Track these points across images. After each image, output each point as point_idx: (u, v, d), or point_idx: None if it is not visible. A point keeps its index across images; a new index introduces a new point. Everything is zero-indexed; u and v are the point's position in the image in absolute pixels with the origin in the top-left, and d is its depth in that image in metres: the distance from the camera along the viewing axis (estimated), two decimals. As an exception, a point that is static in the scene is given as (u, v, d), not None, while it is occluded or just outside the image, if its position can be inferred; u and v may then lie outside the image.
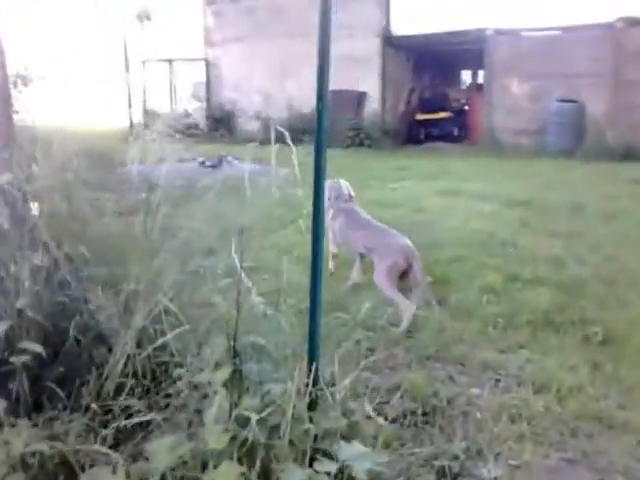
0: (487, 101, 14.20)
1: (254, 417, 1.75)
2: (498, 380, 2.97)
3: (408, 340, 3.36)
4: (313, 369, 1.91)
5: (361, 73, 15.92)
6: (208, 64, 18.98)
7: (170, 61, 19.92)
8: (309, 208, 2.00)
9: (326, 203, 4.30)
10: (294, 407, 1.82)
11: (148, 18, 15.18)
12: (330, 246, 4.28)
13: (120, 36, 18.42)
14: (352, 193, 4.37)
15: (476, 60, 15.50)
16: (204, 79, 19.41)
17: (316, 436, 1.85)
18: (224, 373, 1.82)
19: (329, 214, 4.28)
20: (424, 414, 2.67)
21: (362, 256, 4.13)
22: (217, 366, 1.85)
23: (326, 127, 1.90)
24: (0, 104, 3.15)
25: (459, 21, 14.23)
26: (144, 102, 21.23)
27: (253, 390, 1.90)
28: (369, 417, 1.93)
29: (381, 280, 3.67)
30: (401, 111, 16.36)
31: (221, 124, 18.06)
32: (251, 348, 1.95)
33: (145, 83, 21.23)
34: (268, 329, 2.03)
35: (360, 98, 15.90)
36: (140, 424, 2.14)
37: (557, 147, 11.94)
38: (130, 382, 2.32)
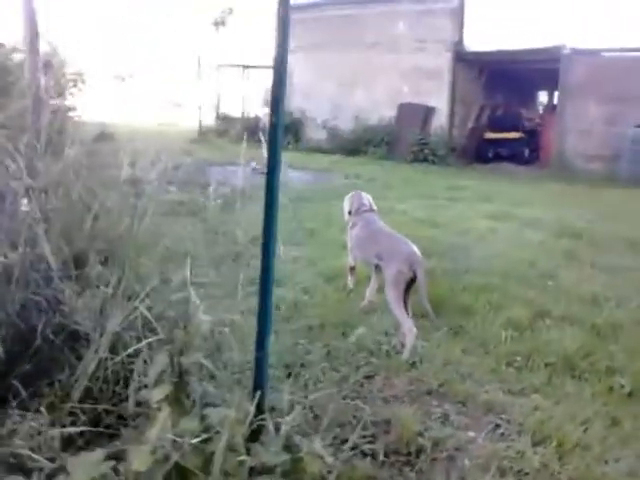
0: (560, 123, 13.57)
1: (187, 441, 1.65)
2: (498, 425, 2.73)
3: (412, 370, 3.17)
4: (257, 396, 1.78)
5: (430, 87, 15.67)
6: (280, 71, 19.20)
7: (244, 67, 20.34)
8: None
9: (346, 215, 4.19)
10: (232, 436, 1.70)
11: (223, 24, 15.56)
12: (348, 258, 4.14)
13: (196, 41, 19.03)
14: (374, 205, 4.24)
15: (552, 80, 14.86)
16: (276, 86, 19.65)
17: (253, 469, 1.72)
18: (163, 391, 1.73)
19: (348, 225, 4.17)
20: (407, 454, 2.48)
21: (377, 269, 3.98)
22: (158, 383, 1.76)
23: (280, 141, 1.77)
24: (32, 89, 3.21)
25: (536, 38, 13.72)
26: (217, 106, 21.81)
27: (195, 412, 1.80)
28: (316, 454, 1.78)
29: (388, 292, 3.49)
30: (470, 128, 15.93)
31: (289, 131, 18.21)
32: (199, 368, 1.85)
33: (219, 87, 21.80)
34: (215, 349, 1.93)
35: (428, 112, 15.63)
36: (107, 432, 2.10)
37: (631, 175, 11.22)
38: (100, 386, 2.28)
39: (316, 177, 10.06)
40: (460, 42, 15.13)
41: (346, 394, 2.89)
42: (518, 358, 3.34)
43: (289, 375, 2.96)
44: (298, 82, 18.64)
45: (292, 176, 10.01)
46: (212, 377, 1.91)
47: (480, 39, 14.78)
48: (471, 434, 2.67)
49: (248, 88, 21.26)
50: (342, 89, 17.34)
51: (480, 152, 15.99)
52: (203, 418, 1.78)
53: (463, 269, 4.79)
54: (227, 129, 19.57)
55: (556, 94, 16.50)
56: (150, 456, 1.62)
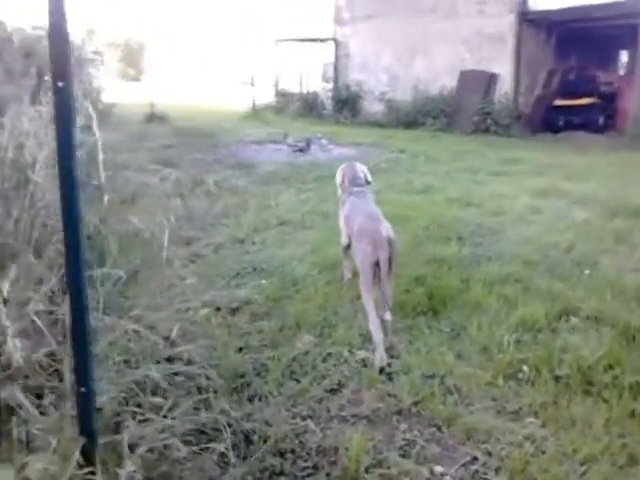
0: (637, 86, 12.16)
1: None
2: (475, 459, 2.21)
3: (388, 382, 2.68)
4: (83, 442, 1.38)
5: (493, 53, 14.52)
6: (337, 44, 18.54)
7: (302, 41, 19.80)
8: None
9: (338, 190, 3.72)
10: None
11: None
12: (342, 238, 3.65)
13: (252, 15, 18.64)
14: (369, 178, 3.71)
15: (636, 37, 13.32)
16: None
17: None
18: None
19: (340, 200, 3.69)
20: (351, 491, 2.04)
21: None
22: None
23: (71, 111, 1.31)
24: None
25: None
26: (276, 82, 21.47)
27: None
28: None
29: (361, 280, 3.00)
30: (537, 95, 14.66)
31: (346, 105, 17.58)
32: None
33: (278, 63, 21.41)
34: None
35: (491, 80, 14.51)
36: None
37: None
38: None
39: (360, 152, 9.48)
40: (524, 1, 13.86)
41: (299, 412, 2.46)
42: (524, 368, 2.77)
43: (236, 388, 2.56)
44: (354, 54, 17.96)
45: (334, 153, 9.52)
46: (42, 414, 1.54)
47: (547, -4, 13.46)
48: (438, 469, 2.17)
49: (307, 62, 20.72)
50: (400, 59, 16.44)
51: (549, 121, 14.69)
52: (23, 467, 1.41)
53: (485, 256, 4.17)
54: (286, 105, 19.22)
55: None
56: None
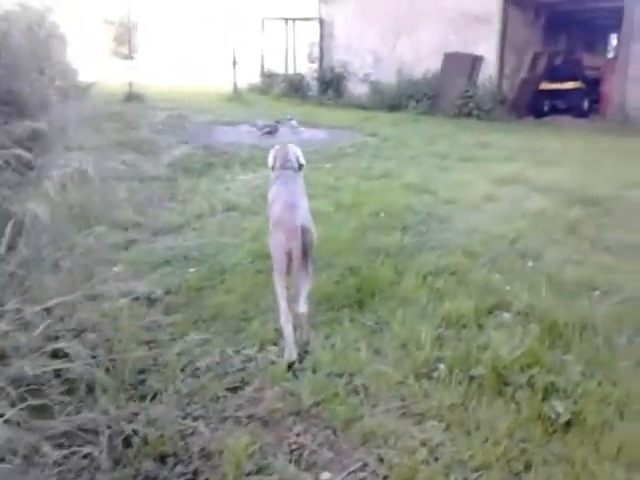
0: (620, 70, 11.97)
1: None
2: (365, 465, 2.10)
3: (293, 380, 2.55)
4: None
5: (479, 34, 14.26)
6: (322, 23, 18.20)
7: (286, 20, 19.44)
8: None
9: (270, 172, 3.56)
10: None
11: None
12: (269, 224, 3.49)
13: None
14: (302, 161, 3.52)
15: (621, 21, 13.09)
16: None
17: None
18: None
19: (270, 183, 3.50)
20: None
21: None
22: None
23: None
24: None
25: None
26: (262, 62, 21.12)
27: None
28: None
29: (274, 270, 2.86)
30: (522, 78, 14.45)
31: (330, 87, 17.32)
32: None
33: (263, 42, 21.05)
34: None
35: (475, 62, 14.27)
36: None
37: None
38: None
39: (330, 135, 9.30)
40: (511, -19, 13.60)
41: (192, 411, 2.34)
42: (441, 367, 2.64)
43: (132, 384, 2.44)
44: (339, 34, 17.63)
45: (303, 136, 9.32)
46: None
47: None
48: (324, 476, 2.06)
49: (293, 43, 20.36)
50: (384, 40, 16.13)
51: (533, 105, 14.51)
52: None
53: (427, 246, 4.04)
54: (271, 86, 18.92)
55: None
56: None
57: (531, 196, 5.31)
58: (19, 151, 3.30)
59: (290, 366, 2.63)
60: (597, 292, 3.35)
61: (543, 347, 2.75)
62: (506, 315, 3.13)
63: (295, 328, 2.80)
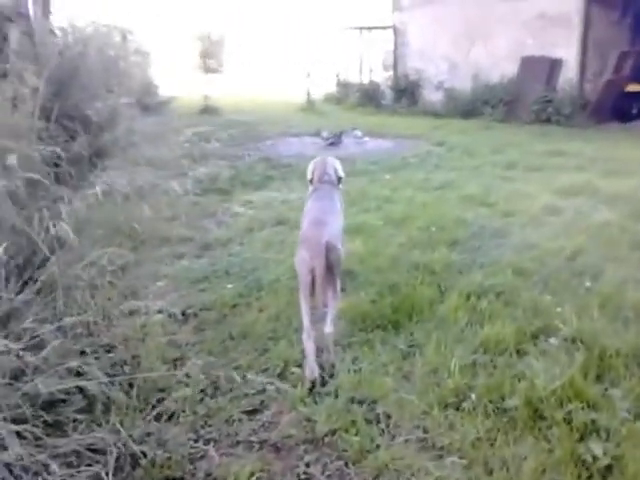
0: None
1: None
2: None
3: (313, 404, 2.47)
4: None
5: (558, 36, 13.58)
6: (396, 31, 18.04)
7: (361, 29, 19.45)
8: None
9: (309, 185, 3.53)
10: None
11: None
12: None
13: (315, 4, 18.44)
14: (341, 173, 3.48)
15: None
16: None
17: None
18: None
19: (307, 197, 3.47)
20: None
21: None
22: None
23: None
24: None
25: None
26: (337, 72, 21.27)
27: None
28: None
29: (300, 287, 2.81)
30: (605, 81, 13.59)
31: (404, 95, 17.11)
32: None
33: (339, 52, 21.20)
34: None
35: (553, 66, 13.60)
36: None
37: None
38: None
39: (395, 145, 9.12)
40: (592, -21, 12.86)
41: (205, 434, 2.32)
42: (472, 396, 2.47)
43: (151, 404, 2.45)
44: (413, 41, 17.41)
45: (368, 146, 9.22)
46: None
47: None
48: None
49: (368, 51, 20.34)
50: (459, 46, 15.74)
51: (619, 109, 13.56)
52: None
53: (477, 263, 3.83)
54: (346, 95, 18.98)
55: None
56: None
57: (597, 208, 4.94)
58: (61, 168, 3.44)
59: (312, 388, 2.55)
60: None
61: (588, 378, 2.51)
62: (552, 341, 2.90)
63: (322, 349, 2.73)
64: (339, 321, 3.14)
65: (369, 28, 19.54)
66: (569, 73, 13.46)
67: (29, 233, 2.57)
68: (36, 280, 2.49)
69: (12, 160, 2.87)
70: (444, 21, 15.92)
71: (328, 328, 2.75)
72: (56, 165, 4.31)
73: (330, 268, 2.75)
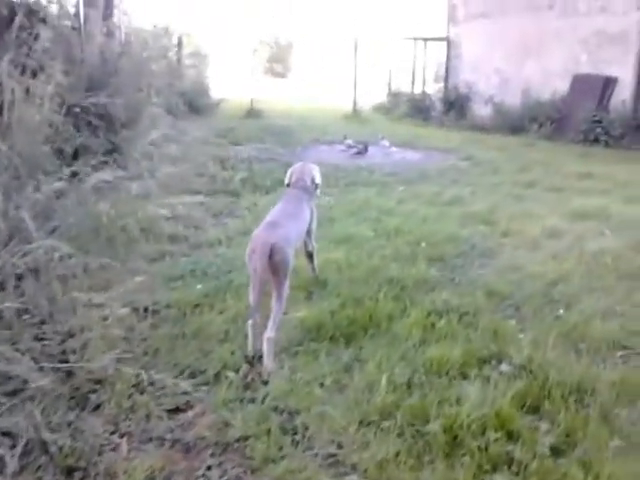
0: None
1: None
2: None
3: (235, 408, 2.49)
4: None
5: (614, 54, 13.08)
6: (450, 43, 17.84)
7: (415, 39, 19.32)
8: None
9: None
10: None
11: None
12: None
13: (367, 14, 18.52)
14: (317, 180, 3.54)
15: None
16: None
17: None
18: None
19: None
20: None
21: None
22: None
23: None
24: None
25: None
26: (389, 82, 21.24)
27: None
28: None
29: None
30: (662, 102, 12.97)
31: (453, 108, 16.88)
32: None
33: (392, 62, 21.17)
34: None
35: (607, 84, 13.09)
36: None
37: None
38: None
39: (422, 157, 9.00)
40: (654, -4, 12.30)
41: (122, 428, 2.37)
42: (397, 416, 2.42)
43: (83, 394, 2.53)
44: (466, 54, 17.17)
45: (394, 157, 9.14)
46: None
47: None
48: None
49: (420, 62, 20.18)
50: (511, 60, 15.40)
51: (676, 132, 12.94)
52: None
53: (454, 282, 3.75)
54: (396, 106, 18.90)
55: None
56: None
57: (602, 234, 4.72)
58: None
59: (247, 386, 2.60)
60: (622, 353, 2.89)
61: (524, 408, 2.42)
62: (503, 367, 2.81)
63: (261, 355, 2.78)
64: (294, 329, 3.17)
65: (424, 39, 19.38)
66: (623, 92, 12.93)
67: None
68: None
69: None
70: (499, 35, 15.64)
71: (268, 333, 2.77)
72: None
73: (275, 271, 2.78)
